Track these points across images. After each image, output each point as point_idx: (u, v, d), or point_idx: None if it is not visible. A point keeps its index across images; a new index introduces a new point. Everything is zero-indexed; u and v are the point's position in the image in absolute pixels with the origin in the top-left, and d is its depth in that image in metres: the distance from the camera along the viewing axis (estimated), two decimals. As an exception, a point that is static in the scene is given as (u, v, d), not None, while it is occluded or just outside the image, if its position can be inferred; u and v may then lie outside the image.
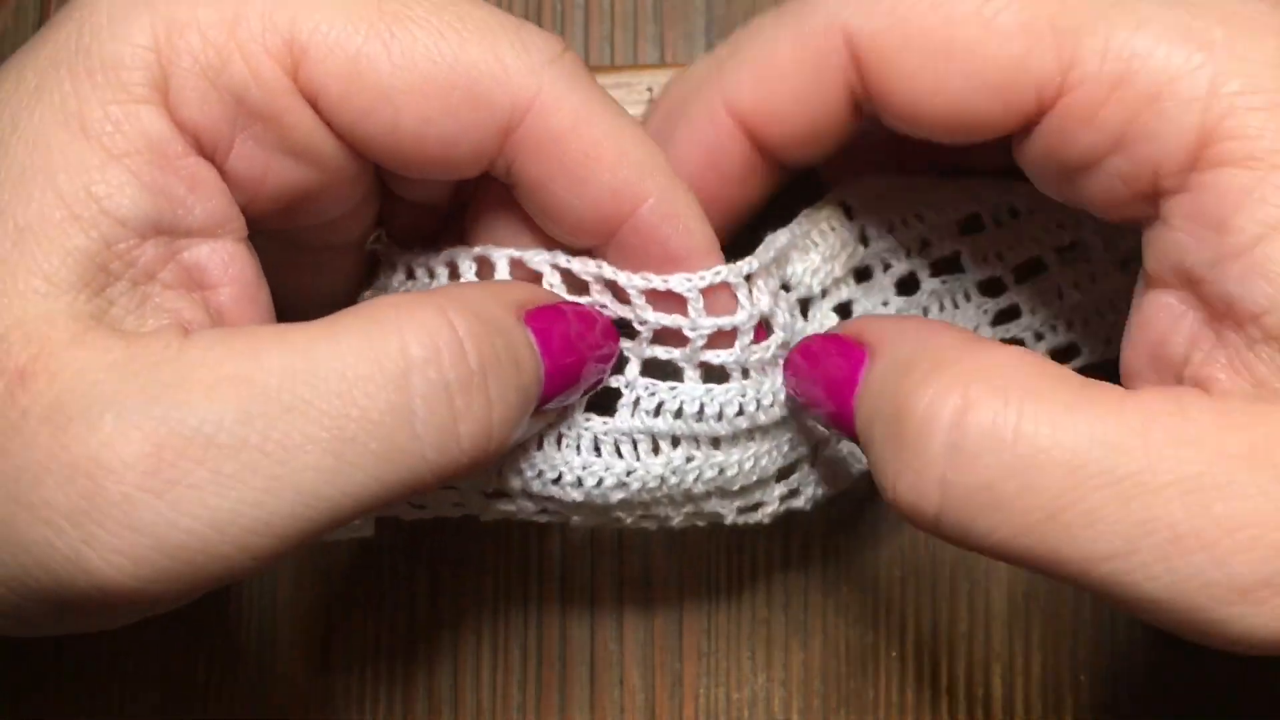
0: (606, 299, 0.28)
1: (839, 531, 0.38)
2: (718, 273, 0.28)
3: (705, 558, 0.38)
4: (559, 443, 0.29)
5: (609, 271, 0.28)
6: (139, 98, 0.24)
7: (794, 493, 0.32)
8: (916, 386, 0.24)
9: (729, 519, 0.31)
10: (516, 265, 0.29)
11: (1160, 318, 0.26)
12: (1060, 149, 0.26)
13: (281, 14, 0.24)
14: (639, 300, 0.28)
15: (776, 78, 0.28)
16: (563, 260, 0.28)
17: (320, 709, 0.37)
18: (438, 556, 0.38)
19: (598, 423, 0.29)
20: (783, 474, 0.32)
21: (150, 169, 0.24)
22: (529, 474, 0.29)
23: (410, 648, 0.37)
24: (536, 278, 0.29)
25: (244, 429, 0.21)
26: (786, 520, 0.38)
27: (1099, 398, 0.24)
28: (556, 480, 0.29)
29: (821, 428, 0.31)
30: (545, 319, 0.27)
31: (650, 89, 0.38)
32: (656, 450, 0.29)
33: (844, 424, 0.27)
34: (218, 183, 0.25)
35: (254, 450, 0.21)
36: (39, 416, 0.21)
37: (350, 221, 0.30)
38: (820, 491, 0.33)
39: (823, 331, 0.30)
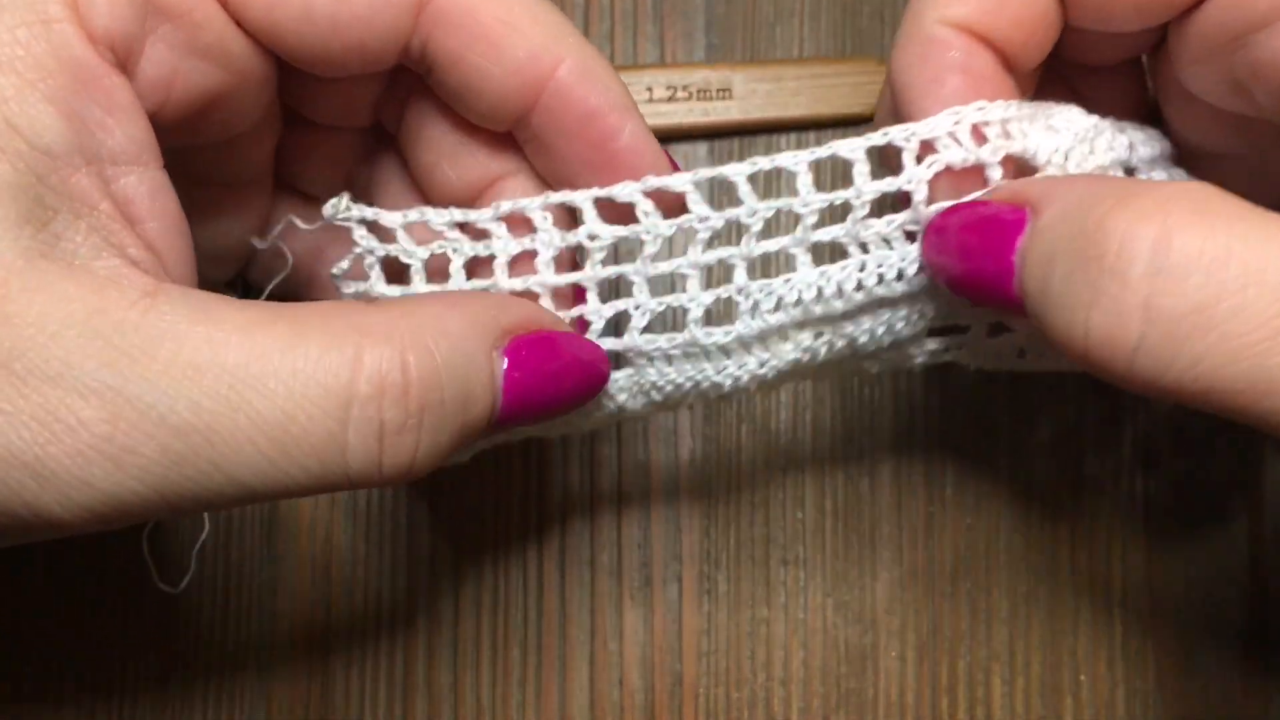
0: (705, 208, 0.28)
1: (839, 531, 0.38)
2: (830, 147, 0.28)
3: (706, 557, 0.38)
4: (687, 357, 0.29)
5: (707, 172, 0.28)
6: (49, 16, 0.23)
7: (956, 348, 0.31)
8: (1109, 214, 0.23)
9: (875, 369, 0.31)
10: (602, 205, 0.28)
11: None
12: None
13: None
14: (745, 189, 0.28)
15: None
16: (654, 181, 0.28)
17: (320, 709, 0.37)
18: (437, 554, 0.38)
19: (720, 334, 0.29)
20: (939, 332, 0.31)
21: (66, 94, 0.23)
22: (668, 388, 0.29)
23: (410, 647, 0.37)
24: (628, 209, 0.28)
25: (194, 417, 0.22)
26: (786, 519, 0.38)
27: None
28: (695, 387, 0.29)
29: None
30: (528, 350, 0.27)
31: (650, 89, 0.38)
32: (785, 337, 0.29)
33: (999, 287, 0.26)
34: (133, 105, 0.25)
35: (200, 438, 0.22)
36: None
37: (251, 147, 0.29)
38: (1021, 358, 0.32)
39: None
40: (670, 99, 0.38)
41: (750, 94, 0.38)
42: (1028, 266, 0.25)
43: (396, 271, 0.29)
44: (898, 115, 0.29)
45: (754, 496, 0.38)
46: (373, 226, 0.28)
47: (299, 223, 0.30)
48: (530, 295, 0.29)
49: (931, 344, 0.31)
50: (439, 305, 0.26)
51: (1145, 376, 0.23)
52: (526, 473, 0.38)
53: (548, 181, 0.30)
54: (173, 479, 0.22)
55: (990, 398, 0.38)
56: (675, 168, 0.30)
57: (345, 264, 0.29)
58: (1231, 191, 0.30)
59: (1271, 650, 0.37)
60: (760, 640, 0.37)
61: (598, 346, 0.29)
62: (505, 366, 0.26)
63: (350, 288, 0.29)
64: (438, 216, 0.28)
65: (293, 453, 0.23)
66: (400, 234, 0.29)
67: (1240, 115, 0.29)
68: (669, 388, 0.29)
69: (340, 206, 0.28)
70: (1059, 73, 0.32)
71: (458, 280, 0.29)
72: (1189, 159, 0.32)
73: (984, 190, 0.28)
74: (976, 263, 0.26)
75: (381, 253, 0.29)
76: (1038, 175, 0.28)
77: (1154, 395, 0.23)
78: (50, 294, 0.22)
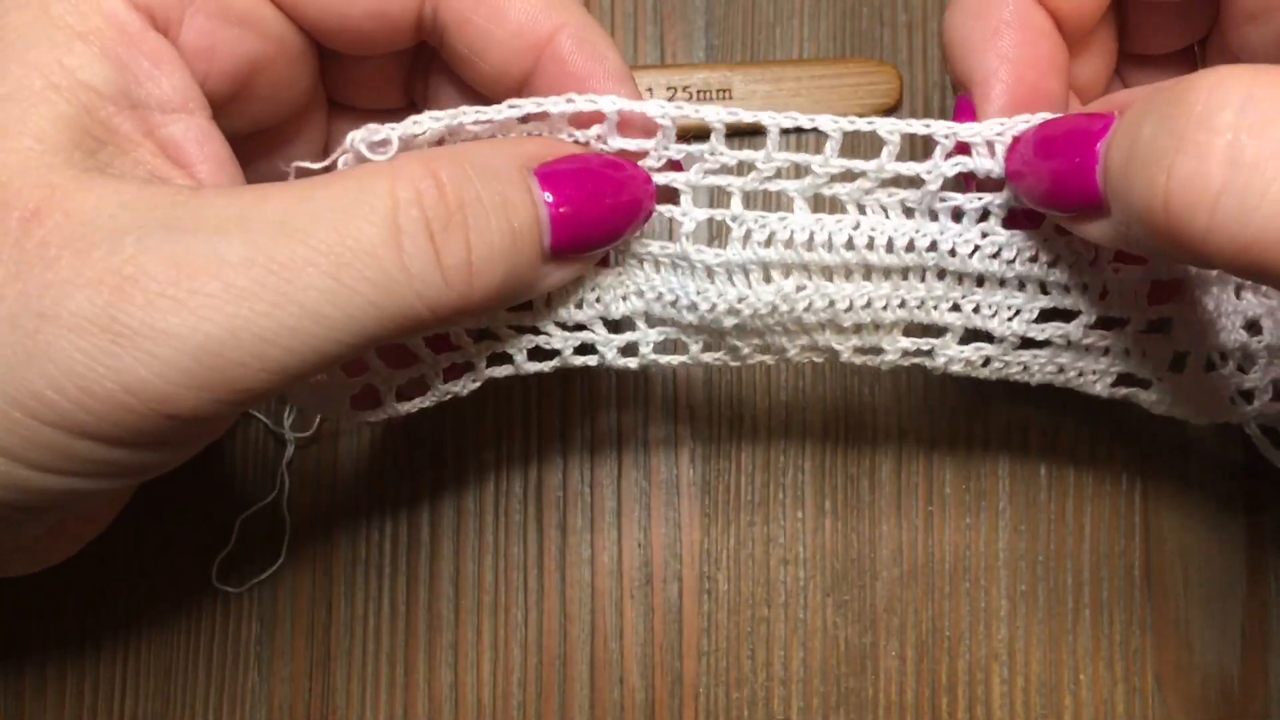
0: (722, 145, 0.29)
1: (839, 530, 0.38)
2: (870, 121, 0.29)
3: (706, 557, 0.38)
4: (675, 269, 0.30)
5: (747, 115, 0.29)
6: None
7: (925, 353, 0.32)
8: (1198, 76, 0.23)
9: (844, 356, 0.31)
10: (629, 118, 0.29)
11: None
12: None
13: None
14: (773, 137, 0.29)
15: None
16: (678, 110, 0.29)
17: (320, 709, 0.37)
18: (438, 554, 0.38)
19: (710, 254, 0.30)
20: (914, 331, 0.32)
21: (114, 44, 0.25)
22: (649, 295, 0.30)
23: (411, 647, 0.37)
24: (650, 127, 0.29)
25: (250, 250, 0.23)
26: (785, 518, 0.38)
27: None
28: (674, 303, 0.30)
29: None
30: (557, 168, 0.27)
31: (650, 89, 0.38)
32: (768, 279, 0.30)
33: (1081, 178, 0.26)
34: (178, 59, 0.26)
35: (261, 269, 0.23)
36: (59, 244, 0.23)
37: (300, 120, 0.31)
38: (1002, 364, 0.32)
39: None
40: (670, 100, 0.38)
41: (750, 94, 0.38)
42: (1114, 142, 0.25)
43: None
44: (951, 71, 0.30)
45: (754, 496, 0.38)
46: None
47: (309, 165, 0.30)
48: None
49: (903, 341, 0.31)
50: (455, 145, 0.28)
51: (1225, 229, 0.22)
52: (526, 472, 0.38)
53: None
54: (245, 316, 0.23)
55: (990, 398, 0.38)
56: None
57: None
58: None
59: (1271, 650, 0.37)
60: (760, 640, 0.37)
61: (637, 166, 0.29)
62: (542, 188, 0.27)
63: None
64: (451, 117, 0.29)
65: (353, 264, 0.24)
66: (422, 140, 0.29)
67: None
68: (650, 293, 0.30)
69: (366, 136, 0.28)
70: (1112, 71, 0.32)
71: None
72: None
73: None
74: (1061, 159, 0.26)
75: (394, 155, 0.29)
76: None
77: (1228, 261, 0.23)
78: (104, 191, 0.24)
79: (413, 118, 0.28)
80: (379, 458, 0.38)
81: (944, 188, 0.30)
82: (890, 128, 0.29)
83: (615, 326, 0.31)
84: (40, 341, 0.22)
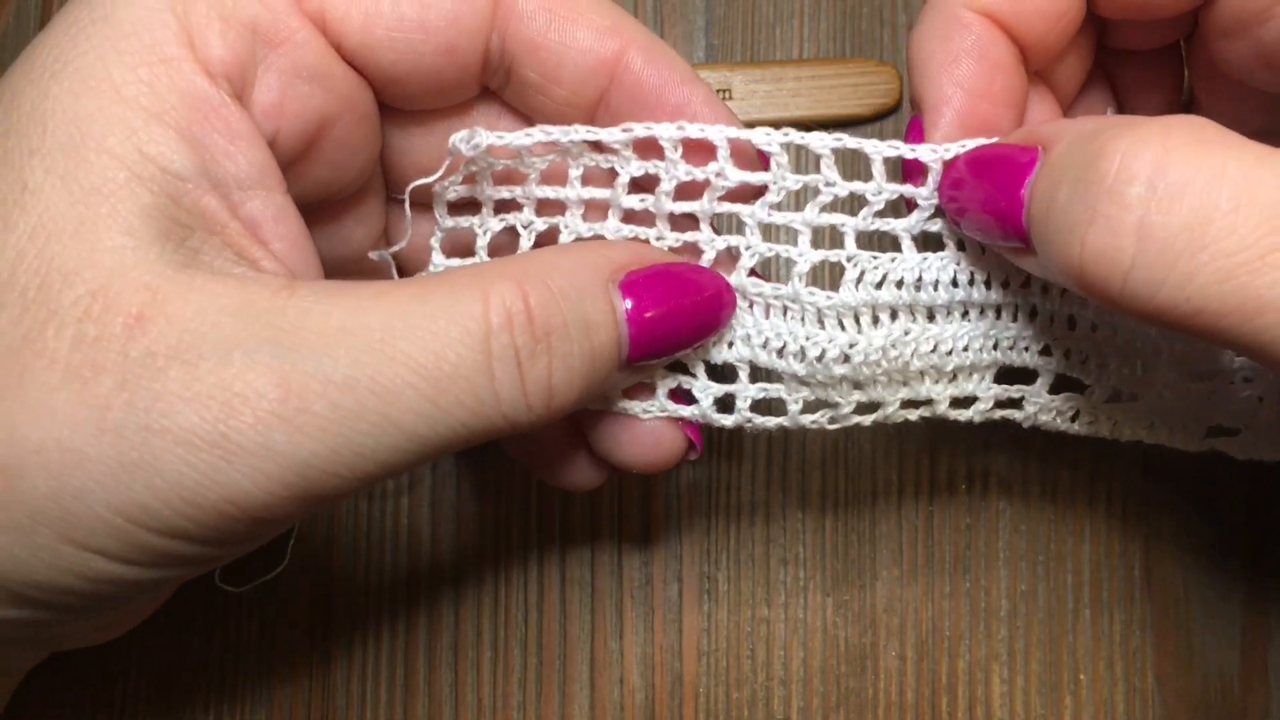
0: (832, 173, 0.29)
1: (839, 530, 0.38)
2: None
3: (706, 557, 0.38)
4: (784, 314, 0.30)
5: (852, 143, 0.29)
6: (168, 56, 0.25)
7: (1015, 402, 0.32)
8: (1112, 140, 0.24)
9: (941, 407, 0.31)
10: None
11: None
12: None
13: None
14: (879, 170, 0.29)
15: None
16: (794, 136, 0.29)
17: (320, 709, 0.37)
18: (437, 554, 0.38)
19: (821, 297, 0.29)
20: (1004, 378, 0.31)
21: (189, 124, 0.25)
22: (756, 342, 0.30)
23: (411, 647, 0.37)
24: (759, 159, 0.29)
25: (355, 372, 0.24)
26: (786, 518, 0.38)
27: None
28: (780, 351, 0.30)
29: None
30: (642, 283, 0.28)
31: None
32: (876, 322, 0.29)
33: (1010, 221, 0.27)
34: (254, 132, 0.26)
35: (365, 391, 0.24)
36: (166, 355, 0.23)
37: (358, 201, 0.31)
38: (1077, 425, 0.32)
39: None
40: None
41: (750, 94, 0.38)
42: (1034, 193, 0.26)
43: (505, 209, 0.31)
44: (910, 89, 0.30)
45: (754, 496, 0.38)
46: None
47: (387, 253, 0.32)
48: (645, 216, 0.30)
49: (995, 389, 0.31)
50: (549, 251, 0.28)
51: (1138, 296, 0.24)
52: (527, 473, 0.38)
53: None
54: (348, 435, 0.24)
55: (990, 398, 0.38)
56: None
57: (459, 185, 0.30)
58: None
59: (1271, 649, 0.37)
60: (760, 640, 0.37)
61: (718, 274, 0.30)
62: (624, 300, 0.27)
63: (449, 222, 0.30)
64: (564, 134, 0.29)
65: (450, 390, 0.25)
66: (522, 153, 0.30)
67: (1271, 95, 0.29)
68: (757, 339, 0.30)
69: (468, 138, 0.28)
70: (1097, 63, 0.33)
71: (574, 188, 0.30)
72: None
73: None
74: (990, 198, 0.27)
75: (499, 166, 0.30)
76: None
77: (1145, 319, 0.24)
78: (202, 293, 0.24)
79: (525, 130, 0.29)
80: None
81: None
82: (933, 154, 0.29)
83: (716, 374, 0.31)
84: (147, 454, 0.23)
